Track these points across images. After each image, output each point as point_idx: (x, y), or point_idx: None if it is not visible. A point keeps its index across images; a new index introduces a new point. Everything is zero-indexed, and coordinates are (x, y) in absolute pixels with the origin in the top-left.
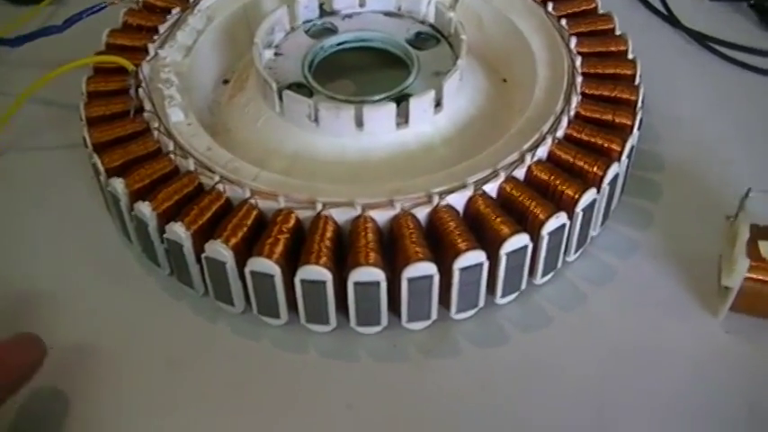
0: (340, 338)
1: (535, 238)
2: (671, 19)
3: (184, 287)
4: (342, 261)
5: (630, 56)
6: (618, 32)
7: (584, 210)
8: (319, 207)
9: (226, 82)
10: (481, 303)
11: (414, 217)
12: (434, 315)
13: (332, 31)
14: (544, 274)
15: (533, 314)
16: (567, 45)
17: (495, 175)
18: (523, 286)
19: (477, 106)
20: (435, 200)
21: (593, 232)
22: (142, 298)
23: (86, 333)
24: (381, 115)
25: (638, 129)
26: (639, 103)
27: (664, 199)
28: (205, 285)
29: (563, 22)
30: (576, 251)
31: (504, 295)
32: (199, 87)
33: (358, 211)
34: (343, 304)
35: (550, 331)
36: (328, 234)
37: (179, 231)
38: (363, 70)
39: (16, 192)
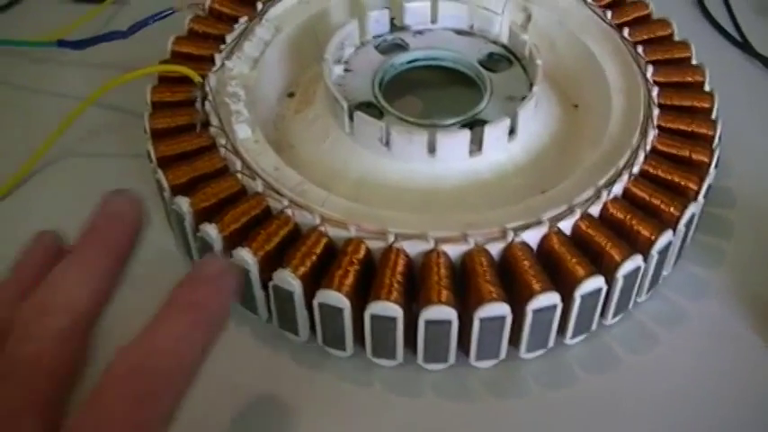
0: (405, 373)
1: (609, 280)
2: (745, 46)
3: (246, 312)
4: (411, 293)
5: (707, 87)
6: (694, 61)
7: (659, 252)
8: (391, 239)
9: (291, 95)
10: (551, 344)
11: (487, 253)
12: (503, 354)
13: (402, 47)
14: (615, 315)
15: (602, 355)
16: (644, 74)
17: (570, 211)
18: (594, 327)
19: (549, 133)
20: (510, 236)
21: (665, 272)
22: None
23: None
24: (455, 142)
25: (716, 166)
26: (717, 139)
27: (735, 236)
28: (269, 311)
29: (639, 48)
30: (648, 291)
31: (574, 336)
32: (264, 100)
33: (431, 245)
34: (412, 338)
35: (619, 373)
36: (399, 268)
37: (246, 257)
38: (432, 88)
39: (72, 199)
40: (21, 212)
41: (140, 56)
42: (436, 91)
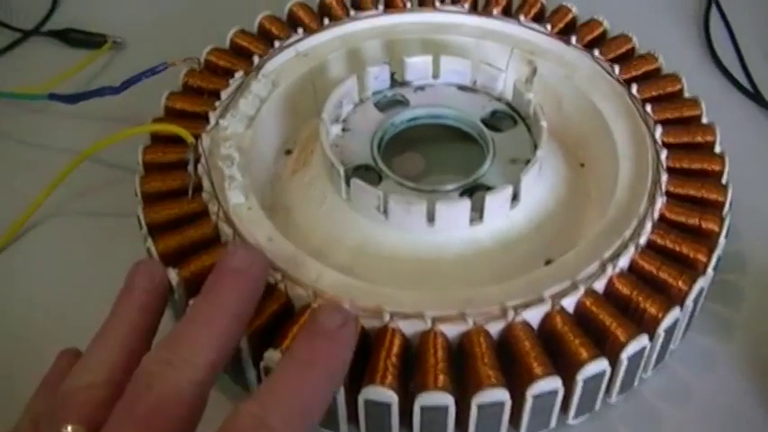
0: None
1: (613, 361)
2: (756, 97)
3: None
4: (407, 372)
5: (718, 148)
6: (705, 120)
7: (666, 330)
8: (386, 318)
9: (288, 152)
10: (552, 425)
11: (486, 333)
12: None
13: (402, 103)
14: (619, 394)
15: None
16: (653, 135)
17: (574, 287)
18: (597, 407)
19: (554, 195)
20: (510, 315)
21: (671, 346)
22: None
23: None
24: (455, 212)
25: (726, 236)
26: (728, 206)
27: (746, 305)
28: None
29: (648, 107)
30: (654, 368)
31: (576, 416)
32: (260, 159)
33: (428, 325)
34: (408, 421)
35: None
36: (395, 349)
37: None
38: (433, 144)
39: (64, 260)
40: (8, 274)
41: (134, 109)
42: (438, 147)
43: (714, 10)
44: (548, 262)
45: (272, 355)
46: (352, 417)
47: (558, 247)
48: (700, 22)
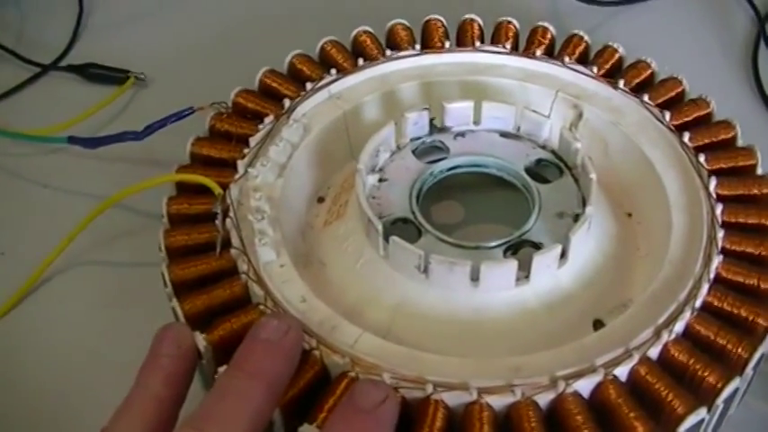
0: None
1: None
2: None
3: None
4: None
5: None
6: (760, 170)
7: (725, 400)
8: (429, 389)
9: (321, 200)
10: None
11: (536, 406)
12: None
13: (441, 149)
14: None
15: None
16: (706, 186)
17: (627, 356)
18: None
19: (602, 251)
20: (561, 386)
21: (730, 412)
22: None
23: None
24: (501, 272)
25: None
26: None
27: None
28: None
29: (701, 157)
30: None
31: None
32: (291, 209)
33: (473, 397)
34: None
35: None
36: (438, 423)
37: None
38: (473, 192)
39: (86, 311)
40: (25, 326)
41: (158, 153)
42: (479, 196)
43: (763, 48)
44: (596, 322)
45: (307, 430)
46: None
47: (607, 305)
48: (748, 64)
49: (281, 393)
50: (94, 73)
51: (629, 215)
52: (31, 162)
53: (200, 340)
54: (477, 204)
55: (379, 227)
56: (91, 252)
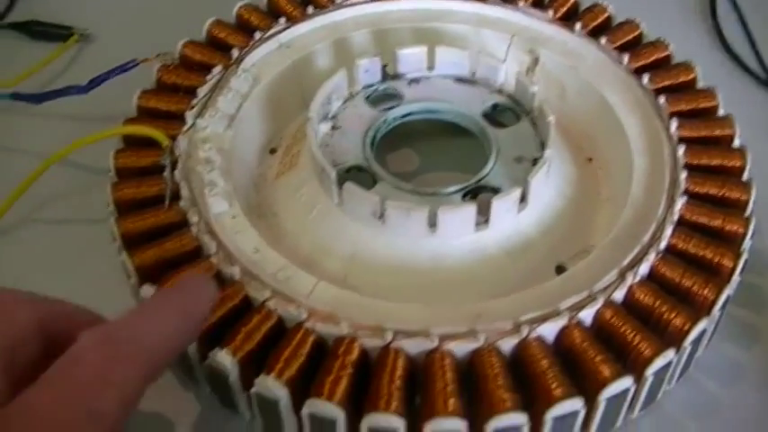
0: None
1: (637, 377)
2: None
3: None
4: (413, 395)
5: (737, 142)
6: (722, 111)
7: (692, 342)
8: (389, 337)
9: (273, 151)
10: None
11: (499, 352)
12: None
13: (395, 97)
14: (642, 409)
15: None
16: (667, 128)
17: (592, 299)
18: (619, 424)
19: (562, 196)
20: (524, 331)
21: (697, 354)
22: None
23: None
24: (459, 217)
25: (751, 237)
26: (751, 206)
27: None
28: (253, 413)
29: (661, 99)
30: (678, 380)
31: None
32: (242, 161)
33: (434, 343)
34: None
35: None
36: (399, 371)
37: (224, 360)
38: (430, 139)
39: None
40: None
41: (104, 108)
42: (435, 144)
43: None
44: (559, 268)
45: (264, 381)
46: None
47: (569, 250)
48: (705, 5)
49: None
50: (38, 30)
51: (590, 160)
52: None
53: (151, 293)
54: (433, 152)
55: (333, 174)
56: (37, 211)
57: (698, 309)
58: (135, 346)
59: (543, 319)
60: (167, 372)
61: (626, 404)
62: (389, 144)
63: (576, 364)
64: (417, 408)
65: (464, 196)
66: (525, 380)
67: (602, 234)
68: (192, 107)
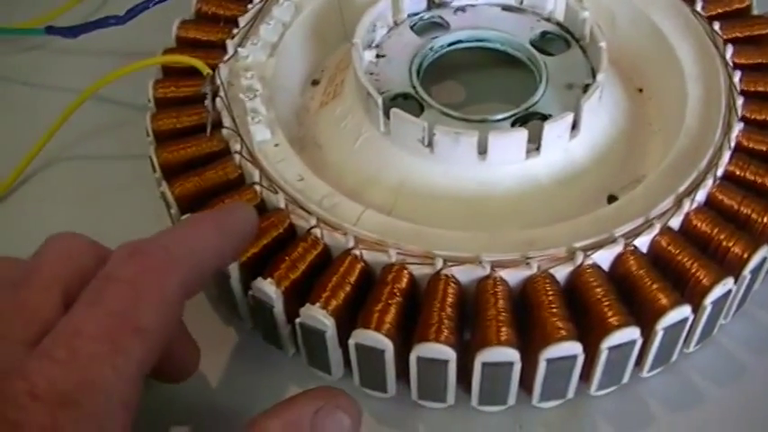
0: (456, 416)
1: (695, 307)
2: None
3: (271, 347)
4: (463, 324)
5: None
6: None
7: (752, 271)
8: (439, 264)
9: (315, 83)
10: (626, 379)
11: (553, 279)
12: (572, 394)
13: (441, 26)
14: (698, 343)
15: (683, 389)
16: (723, 55)
17: (648, 225)
18: (675, 357)
19: (614, 125)
20: (579, 258)
21: (754, 287)
22: (218, 348)
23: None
24: (510, 143)
25: None
26: None
27: None
28: (297, 347)
29: (715, 25)
30: (735, 312)
31: (651, 369)
32: (284, 91)
33: (486, 271)
34: (465, 377)
35: (703, 409)
36: (449, 299)
37: (268, 290)
38: (476, 71)
39: (69, 206)
40: (9, 224)
41: (141, 41)
42: (481, 75)
43: None
44: (611, 198)
45: (309, 311)
46: (402, 375)
47: (622, 180)
48: None
49: None
50: None
51: (640, 91)
52: (8, 60)
53: None
54: (479, 83)
55: (379, 101)
56: (75, 147)
57: (757, 237)
58: (166, 256)
59: (598, 246)
60: (209, 308)
61: (683, 336)
62: (434, 76)
63: (633, 292)
64: (468, 339)
65: (513, 123)
66: (580, 309)
67: (655, 165)
68: (233, 37)
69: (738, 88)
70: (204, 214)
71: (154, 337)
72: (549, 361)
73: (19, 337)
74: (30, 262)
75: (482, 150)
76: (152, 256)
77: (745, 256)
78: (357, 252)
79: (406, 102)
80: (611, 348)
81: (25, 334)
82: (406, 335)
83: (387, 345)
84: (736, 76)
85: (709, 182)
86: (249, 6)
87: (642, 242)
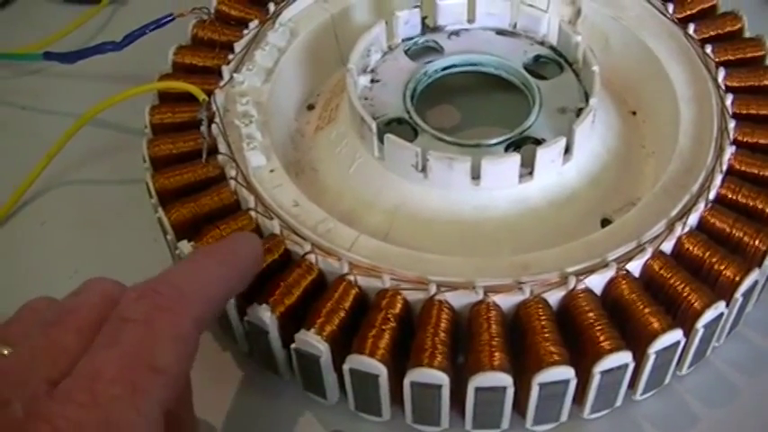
0: None
1: (687, 331)
2: None
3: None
4: (457, 348)
5: None
6: None
7: (744, 294)
8: (432, 290)
9: (310, 107)
10: (619, 403)
11: (545, 304)
12: (565, 417)
13: (435, 50)
14: (691, 365)
15: (677, 411)
16: (715, 78)
17: (640, 250)
18: (667, 381)
19: (607, 148)
20: (572, 282)
21: (746, 310)
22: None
23: None
24: (503, 168)
25: None
26: None
27: None
28: (292, 372)
29: (707, 48)
30: (728, 335)
31: (644, 392)
32: (280, 116)
33: (479, 296)
34: (459, 402)
35: (697, 431)
36: (443, 324)
37: (263, 315)
38: (470, 94)
39: (67, 230)
40: (6, 250)
41: (138, 67)
42: (476, 98)
43: None
44: (604, 221)
45: (304, 337)
46: (397, 399)
47: (614, 204)
48: None
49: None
50: None
51: (633, 113)
52: (6, 84)
53: (188, 249)
54: (473, 107)
55: (373, 126)
56: (72, 172)
57: (749, 260)
58: (177, 294)
59: (591, 270)
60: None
61: (675, 359)
62: (429, 99)
63: (625, 316)
64: (462, 364)
65: (507, 148)
66: (572, 333)
67: (648, 188)
68: (229, 62)
69: (730, 111)
70: (210, 248)
71: (171, 374)
72: (542, 385)
73: (44, 375)
74: (65, 302)
75: (475, 175)
76: (163, 295)
77: (737, 278)
78: (351, 278)
79: (401, 126)
80: (603, 372)
81: (51, 372)
82: (401, 360)
83: (381, 370)
84: (728, 99)
85: (701, 205)
86: (245, 32)
87: (634, 266)
